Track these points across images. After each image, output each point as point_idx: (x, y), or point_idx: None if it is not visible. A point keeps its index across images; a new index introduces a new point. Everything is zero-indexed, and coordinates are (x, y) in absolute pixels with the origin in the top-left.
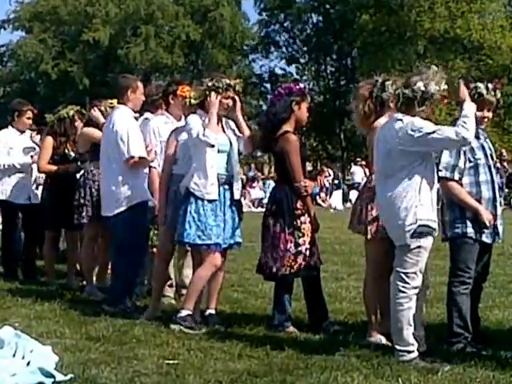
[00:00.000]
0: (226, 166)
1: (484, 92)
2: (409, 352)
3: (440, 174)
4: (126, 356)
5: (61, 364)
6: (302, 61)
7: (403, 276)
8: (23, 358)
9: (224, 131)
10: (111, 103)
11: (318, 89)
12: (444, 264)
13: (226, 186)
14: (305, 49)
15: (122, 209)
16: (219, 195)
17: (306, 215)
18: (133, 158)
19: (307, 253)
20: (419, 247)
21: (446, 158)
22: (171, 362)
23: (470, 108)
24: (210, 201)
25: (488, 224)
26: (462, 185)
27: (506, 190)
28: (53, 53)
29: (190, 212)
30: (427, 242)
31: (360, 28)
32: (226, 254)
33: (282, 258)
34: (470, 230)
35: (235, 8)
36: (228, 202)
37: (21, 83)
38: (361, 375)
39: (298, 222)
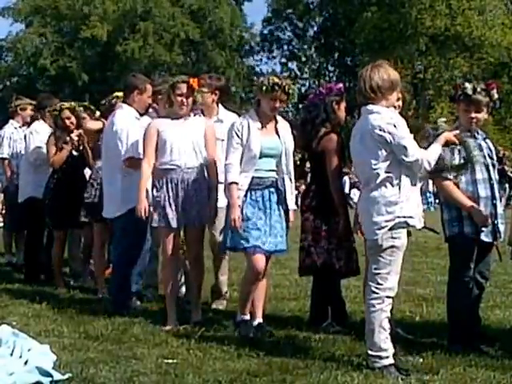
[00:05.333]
0: (271, 168)
1: (470, 92)
2: (380, 358)
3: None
4: (124, 355)
5: (59, 363)
6: (303, 59)
7: (376, 276)
8: (21, 356)
9: (277, 133)
10: (116, 96)
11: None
12: (445, 263)
13: (272, 189)
14: (305, 47)
15: (123, 211)
16: (263, 198)
17: (341, 217)
18: (130, 158)
19: (333, 253)
20: (392, 247)
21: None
22: (170, 361)
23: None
24: (251, 204)
25: (481, 223)
26: (458, 183)
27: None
28: (52, 48)
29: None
30: (400, 241)
31: (362, 26)
32: (268, 259)
33: (321, 253)
34: (467, 229)
35: (236, 9)
36: (274, 206)
37: (19, 78)
38: (361, 374)
39: (332, 221)
